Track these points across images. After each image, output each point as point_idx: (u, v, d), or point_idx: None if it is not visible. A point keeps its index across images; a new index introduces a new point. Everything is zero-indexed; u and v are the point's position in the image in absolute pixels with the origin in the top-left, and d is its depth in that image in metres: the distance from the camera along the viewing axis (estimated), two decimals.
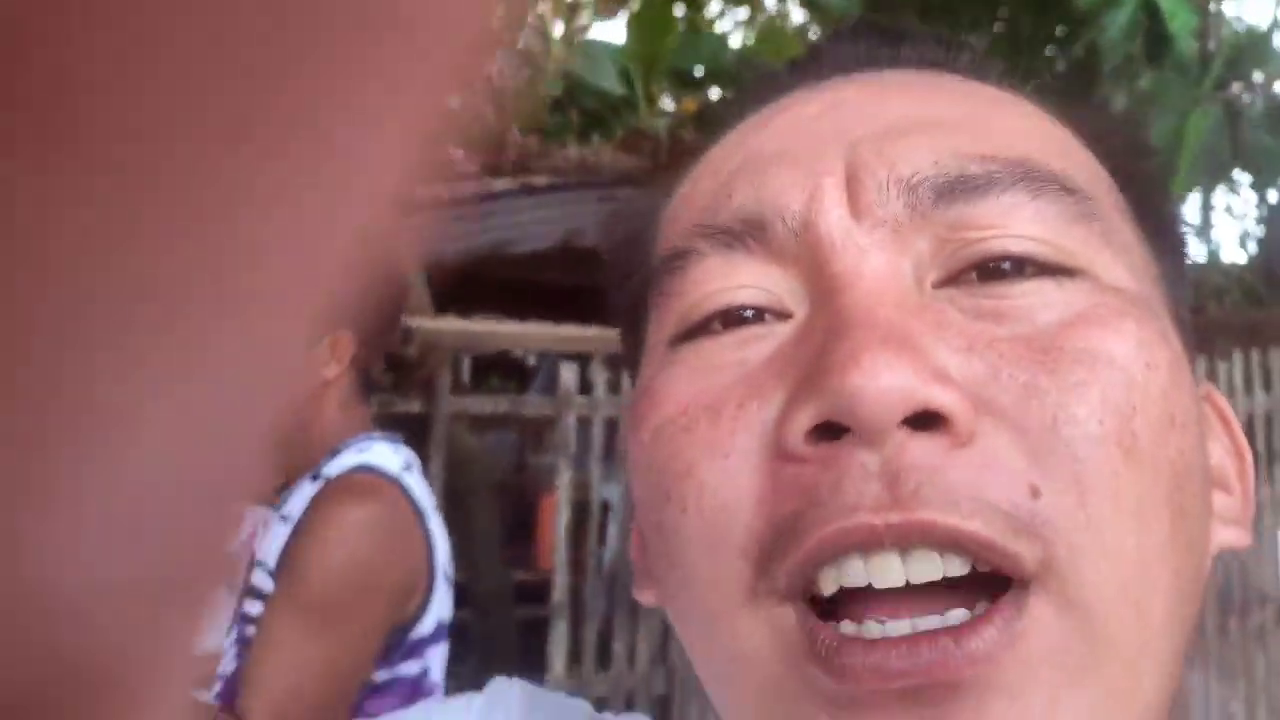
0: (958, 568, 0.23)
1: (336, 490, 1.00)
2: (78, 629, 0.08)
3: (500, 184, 4.43)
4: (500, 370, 5.23)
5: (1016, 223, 0.26)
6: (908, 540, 0.23)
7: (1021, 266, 0.26)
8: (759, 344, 0.27)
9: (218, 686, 1.09)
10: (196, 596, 0.09)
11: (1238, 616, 3.13)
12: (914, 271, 0.27)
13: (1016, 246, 0.26)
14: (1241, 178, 5.39)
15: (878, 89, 0.31)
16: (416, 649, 1.01)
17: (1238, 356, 3.08)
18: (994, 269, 0.26)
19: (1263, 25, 4.53)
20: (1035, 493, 0.23)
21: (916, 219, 0.27)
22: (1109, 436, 0.24)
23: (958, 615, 0.23)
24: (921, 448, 0.23)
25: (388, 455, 1.06)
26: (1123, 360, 0.25)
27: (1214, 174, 4.90)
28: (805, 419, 0.24)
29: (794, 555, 0.24)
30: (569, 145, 2.75)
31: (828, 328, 0.25)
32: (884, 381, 0.23)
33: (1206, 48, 3.62)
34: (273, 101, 0.06)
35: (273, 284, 0.08)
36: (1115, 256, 0.28)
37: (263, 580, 1.05)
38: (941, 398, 0.23)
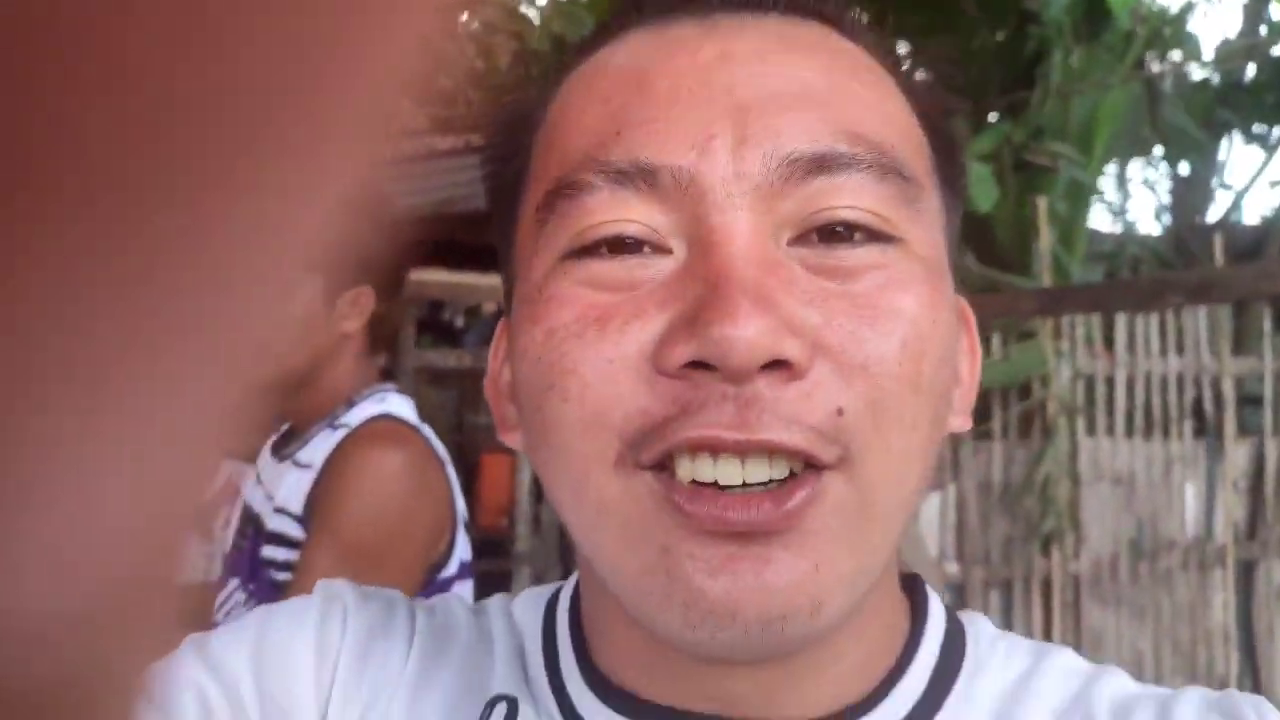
0: (782, 469, 0.31)
1: (366, 437, 1.03)
2: (34, 651, 0.08)
3: (447, 142, 4.42)
4: (432, 331, 5.24)
5: (861, 198, 0.33)
6: (747, 451, 0.31)
7: (853, 233, 0.33)
8: (642, 271, 0.33)
9: None
10: (148, 622, 0.10)
11: (1148, 562, 3.37)
12: (774, 230, 0.33)
13: (855, 217, 0.33)
14: (1158, 153, 5.67)
15: (759, 44, 0.35)
16: (444, 587, 1.06)
17: (1154, 319, 3.29)
18: (834, 233, 0.33)
19: (1175, 7, 4.74)
20: (840, 412, 0.31)
21: (789, 186, 0.33)
22: (904, 374, 0.32)
23: (779, 471, 0.31)
24: (768, 383, 0.31)
25: (404, 406, 1.10)
26: (918, 318, 0.33)
27: (1133, 149, 5.15)
28: (686, 352, 0.30)
29: (659, 445, 0.31)
30: None
31: (706, 278, 0.31)
32: (749, 334, 0.29)
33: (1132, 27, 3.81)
34: (255, 70, 0.07)
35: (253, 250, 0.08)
36: (925, 229, 0.35)
37: (286, 525, 1.07)
38: (789, 349, 0.30)
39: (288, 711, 0.40)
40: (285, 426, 1.18)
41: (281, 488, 1.09)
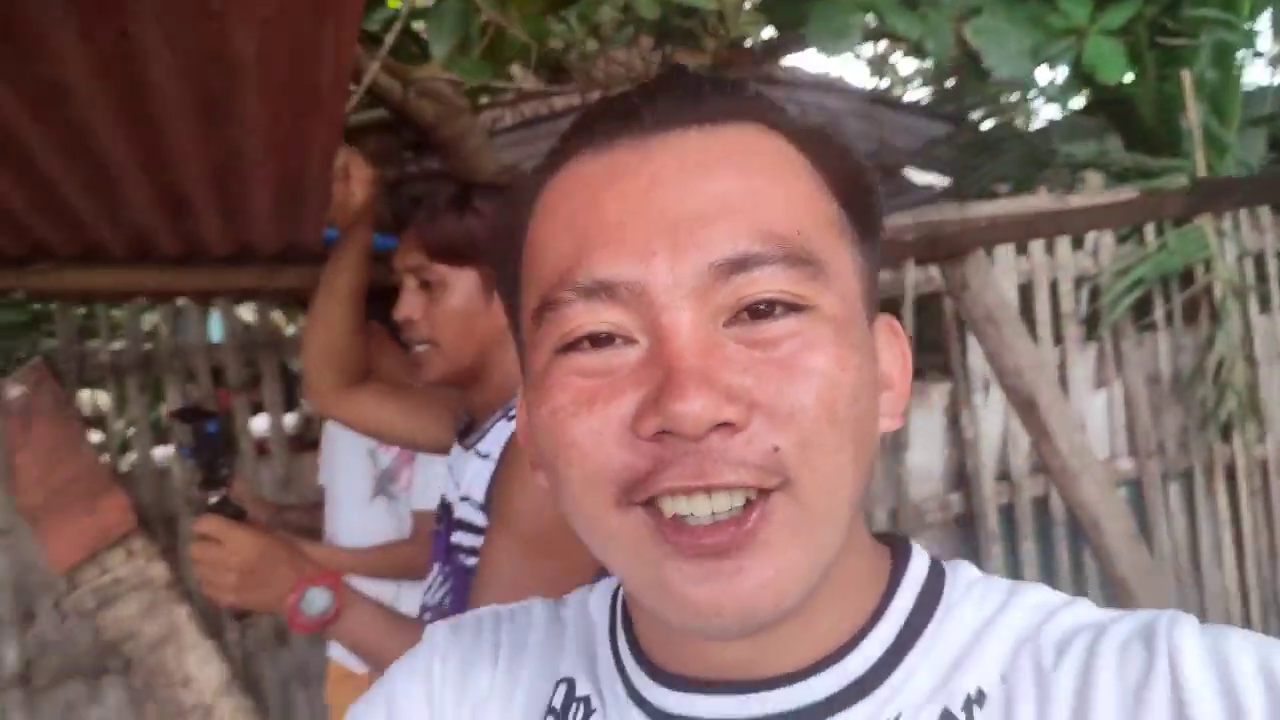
0: (740, 499, 0.42)
1: None
2: None
3: (562, 102, 4.47)
4: None
5: (775, 283, 0.43)
6: (710, 490, 0.41)
7: (774, 307, 0.43)
8: (616, 359, 0.43)
9: (426, 616, 1.16)
10: None
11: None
12: (710, 318, 0.43)
13: (771, 296, 0.43)
14: None
15: (683, 163, 0.44)
16: None
17: None
18: (758, 310, 0.43)
19: None
20: (776, 450, 0.41)
21: (717, 284, 0.42)
22: (820, 415, 0.42)
23: (736, 508, 0.42)
24: (718, 438, 0.41)
25: None
26: (828, 370, 0.42)
27: None
28: (654, 424, 0.41)
29: (645, 492, 0.42)
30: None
31: (663, 365, 0.42)
32: (696, 409, 0.40)
33: None
34: None
35: None
36: (834, 294, 0.44)
37: (470, 513, 1.12)
38: (728, 413, 0.41)
39: None
40: (468, 418, 1.23)
41: (466, 476, 1.14)
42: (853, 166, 0.49)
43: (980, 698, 0.45)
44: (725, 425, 0.41)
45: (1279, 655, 0.41)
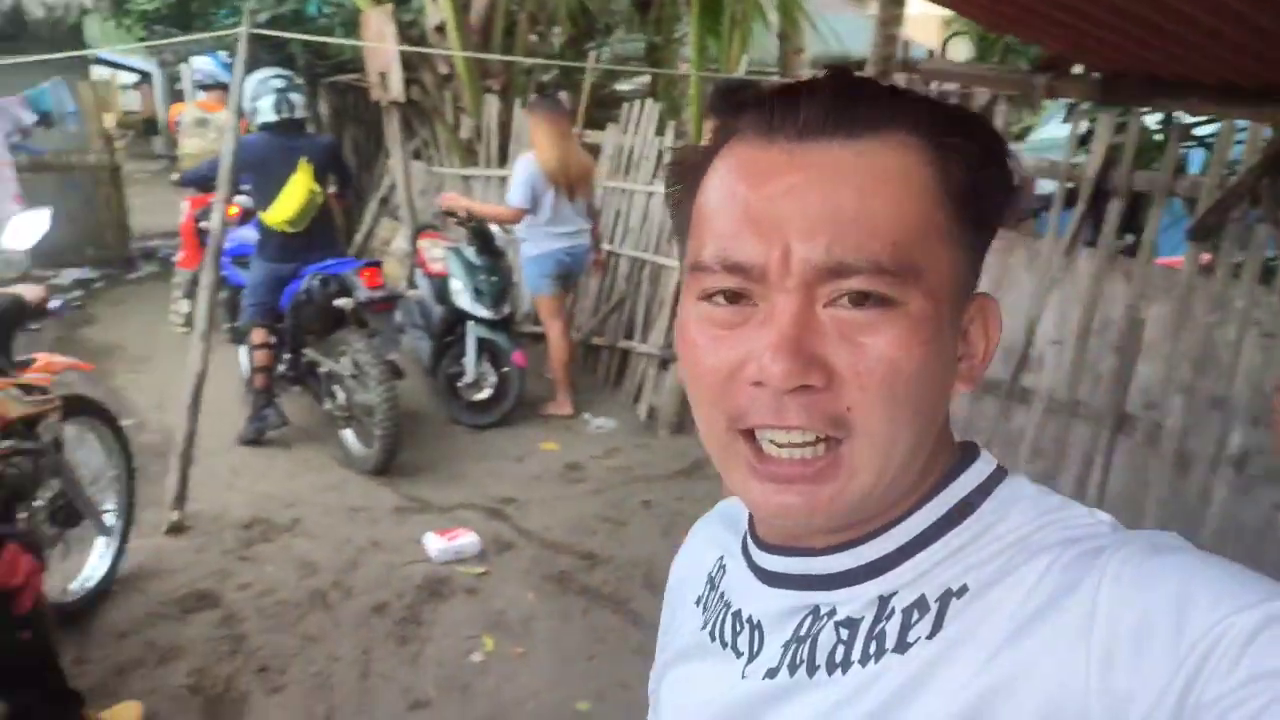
0: (810, 437, 0.55)
1: None
2: None
3: None
4: None
5: (866, 284, 0.53)
6: (787, 429, 0.55)
7: (867, 298, 0.54)
8: (740, 315, 0.56)
9: None
10: None
11: None
12: (813, 301, 0.54)
13: (864, 290, 0.54)
14: None
15: (816, 175, 0.54)
16: None
17: None
18: (854, 299, 0.54)
19: None
20: (850, 409, 0.54)
21: (820, 279, 0.54)
22: (882, 391, 0.54)
23: (808, 445, 0.56)
24: (801, 394, 0.54)
25: None
26: (896, 359, 0.54)
27: None
28: (754, 373, 0.55)
29: (744, 422, 0.57)
30: None
31: (769, 333, 0.54)
32: (784, 371, 0.53)
33: None
34: None
35: None
36: (921, 294, 0.54)
37: None
38: (810, 378, 0.53)
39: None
40: None
41: None
42: (981, 170, 0.57)
43: (962, 591, 0.56)
44: (808, 386, 0.54)
45: (1200, 582, 0.47)
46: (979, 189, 0.57)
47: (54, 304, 2.62)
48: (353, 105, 8.18)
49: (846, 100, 0.56)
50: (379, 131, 7.22)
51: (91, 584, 3.21)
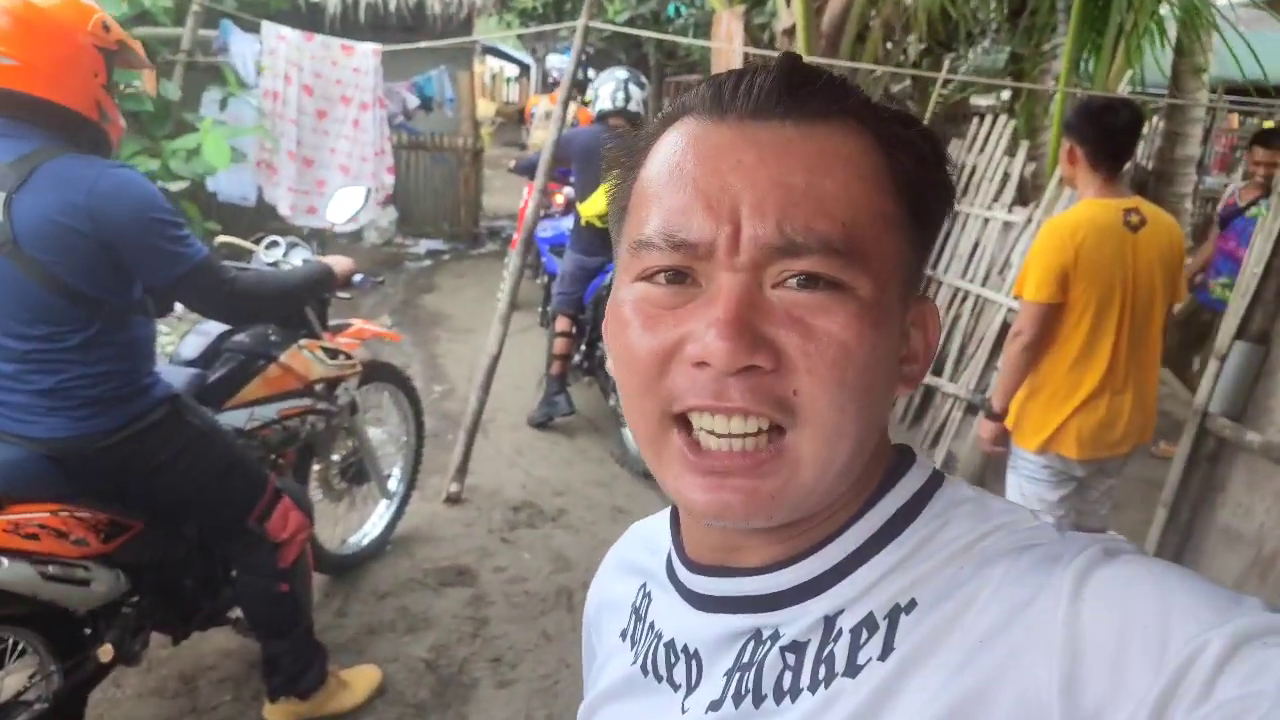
0: (753, 427, 0.53)
1: None
2: None
3: None
4: None
5: (815, 265, 0.52)
6: (728, 413, 0.52)
7: (817, 280, 0.52)
8: (681, 295, 0.54)
9: None
10: None
11: None
12: (761, 281, 0.53)
13: (814, 271, 0.52)
14: None
15: (764, 154, 0.53)
16: None
17: None
18: (803, 280, 0.52)
19: None
20: (796, 393, 0.52)
21: (769, 259, 0.52)
22: (832, 377, 0.52)
23: (749, 435, 0.53)
24: (745, 376, 0.51)
25: None
26: (846, 340, 0.52)
27: None
28: (696, 352, 0.52)
29: (679, 406, 0.54)
30: None
31: (715, 311, 0.52)
32: (729, 349, 0.50)
33: None
34: None
35: None
36: (869, 278, 0.53)
37: None
38: (756, 358, 0.51)
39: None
40: None
41: None
42: (926, 169, 0.57)
43: (910, 606, 0.53)
44: (754, 367, 0.51)
45: (1166, 597, 0.46)
46: (923, 182, 0.57)
47: (357, 278, 2.77)
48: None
49: (799, 84, 0.54)
50: None
51: (366, 541, 3.41)
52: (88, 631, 2.16)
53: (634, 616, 0.70)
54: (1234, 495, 2.91)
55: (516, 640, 3.07)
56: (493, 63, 22.75)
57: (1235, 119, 10.83)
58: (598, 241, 4.65)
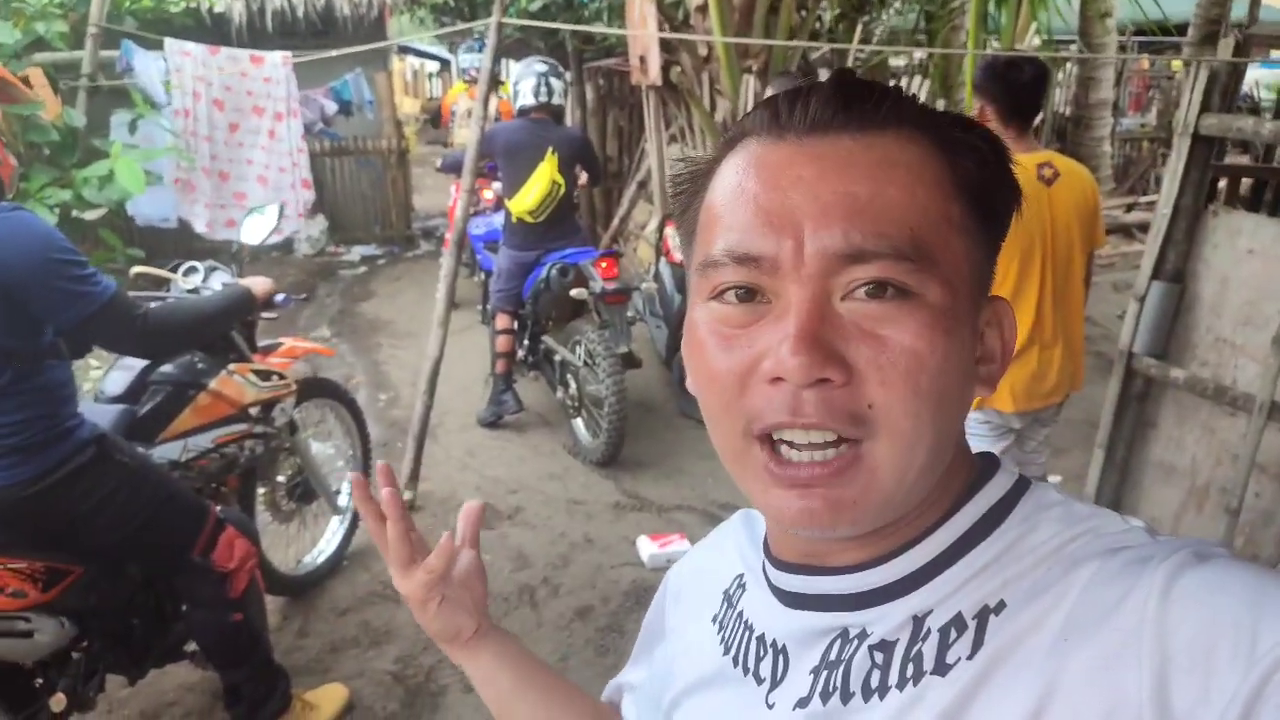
0: (831, 437, 0.53)
1: None
2: None
3: None
4: None
5: (885, 271, 0.52)
6: (806, 427, 0.53)
7: (885, 289, 0.52)
8: (753, 313, 0.55)
9: None
10: None
11: None
12: (828, 295, 0.53)
13: (881, 279, 0.52)
14: None
15: (824, 168, 0.54)
16: None
17: None
18: (872, 290, 0.53)
19: None
20: (871, 407, 0.52)
21: (837, 269, 0.53)
22: (906, 386, 0.52)
23: (829, 444, 0.53)
24: (820, 389, 0.52)
25: None
26: (919, 349, 0.52)
27: None
28: (771, 369, 0.53)
29: (759, 426, 0.55)
30: None
31: (786, 326, 0.53)
32: (803, 364, 0.51)
33: None
34: None
35: None
36: (939, 283, 0.53)
37: None
38: (829, 372, 0.52)
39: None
40: None
41: None
42: (989, 170, 0.57)
43: (999, 607, 0.53)
44: (827, 380, 0.52)
45: (1259, 598, 0.45)
46: (988, 184, 0.57)
47: (279, 298, 2.73)
48: (616, 89, 8.25)
49: (853, 97, 0.55)
50: (641, 115, 7.21)
51: (322, 559, 3.38)
52: (39, 683, 2.12)
53: (726, 604, 0.71)
54: (1165, 431, 3.00)
55: None
56: (413, 60, 22.38)
57: (1146, 60, 11.08)
58: (531, 236, 4.62)
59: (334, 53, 5.54)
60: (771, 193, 0.54)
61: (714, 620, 0.72)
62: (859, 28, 6.10)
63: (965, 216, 0.55)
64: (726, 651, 0.68)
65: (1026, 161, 2.60)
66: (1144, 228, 7.33)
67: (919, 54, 7.18)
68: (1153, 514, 3.02)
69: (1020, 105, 2.62)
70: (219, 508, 2.45)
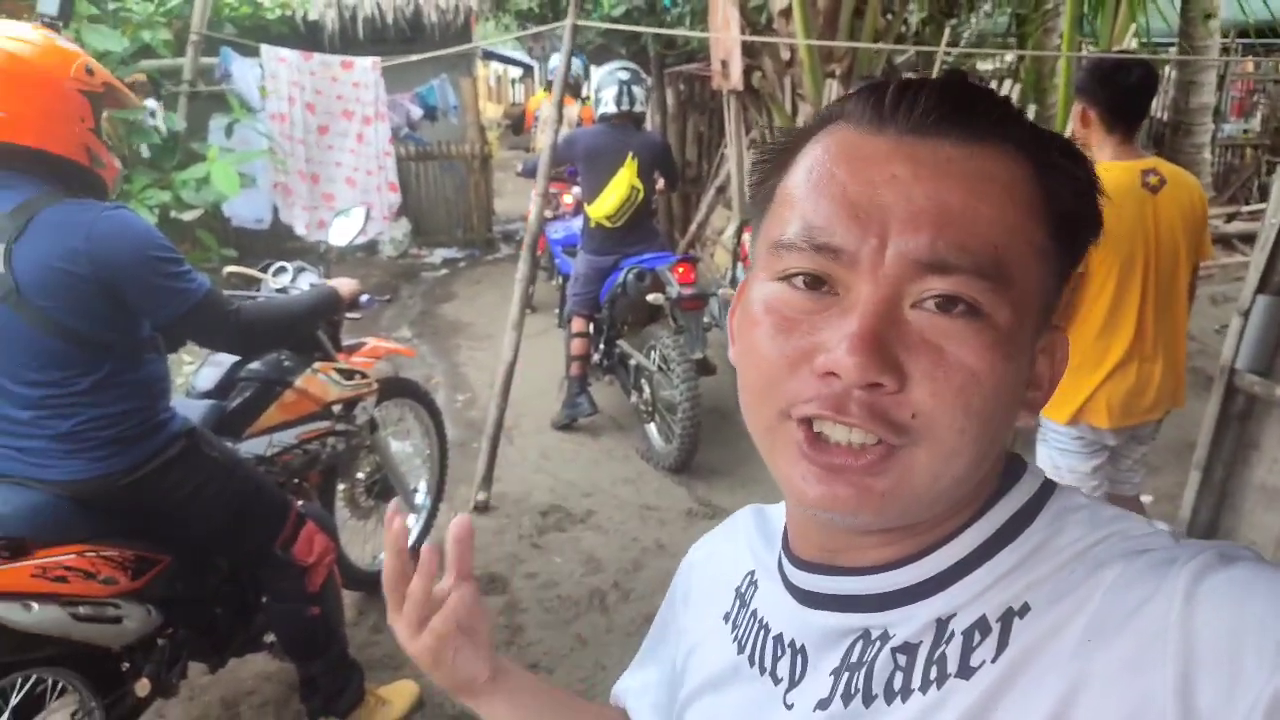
0: (872, 439, 0.52)
1: None
2: None
3: None
4: None
5: (959, 288, 0.51)
6: (848, 425, 0.52)
7: (956, 304, 0.52)
8: (818, 302, 0.54)
9: None
10: None
11: None
12: (901, 298, 0.52)
13: (955, 294, 0.52)
14: None
15: (919, 170, 0.52)
16: None
17: None
18: (942, 302, 0.52)
19: None
20: (915, 416, 0.52)
21: (914, 276, 0.52)
22: (957, 403, 0.52)
23: (869, 443, 0.53)
24: (870, 392, 0.51)
25: None
26: (977, 370, 0.52)
27: None
28: (826, 363, 0.52)
29: (800, 412, 0.54)
30: None
31: (851, 323, 0.51)
32: (858, 364, 0.50)
33: None
34: None
35: None
36: (1009, 307, 0.52)
37: None
38: (883, 377, 0.51)
39: None
40: None
41: None
42: (1081, 203, 0.56)
43: (1024, 610, 0.53)
44: (879, 385, 0.51)
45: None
46: (1076, 213, 0.56)
47: (364, 298, 2.77)
48: (697, 94, 8.24)
49: (962, 103, 0.54)
50: (721, 120, 7.18)
51: None
52: (125, 667, 2.18)
53: (738, 601, 0.71)
54: (1269, 452, 2.85)
55: (551, 645, 3.06)
56: (497, 66, 22.74)
57: (1250, 63, 10.60)
58: (609, 241, 4.63)
59: (419, 56, 5.65)
60: (862, 185, 0.53)
61: (725, 618, 0.71)
62: (946, 31, 5.96)
63: (1048, 242, 0.55)
64: (741, 650, 0.67)
65: (1131, 168, 2.49)
66: (1245, 238, 7.00)
67: (1009, 57, 6.98)
68: (1252, 539, 2.86)
69: (1126, 110, 2.52)
70: (300, 503, 2.51)
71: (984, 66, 7.21)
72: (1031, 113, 4.90)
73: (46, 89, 1.88)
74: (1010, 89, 4.97)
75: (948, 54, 5.67)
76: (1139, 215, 2.46)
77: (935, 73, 5.76)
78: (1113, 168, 2.49)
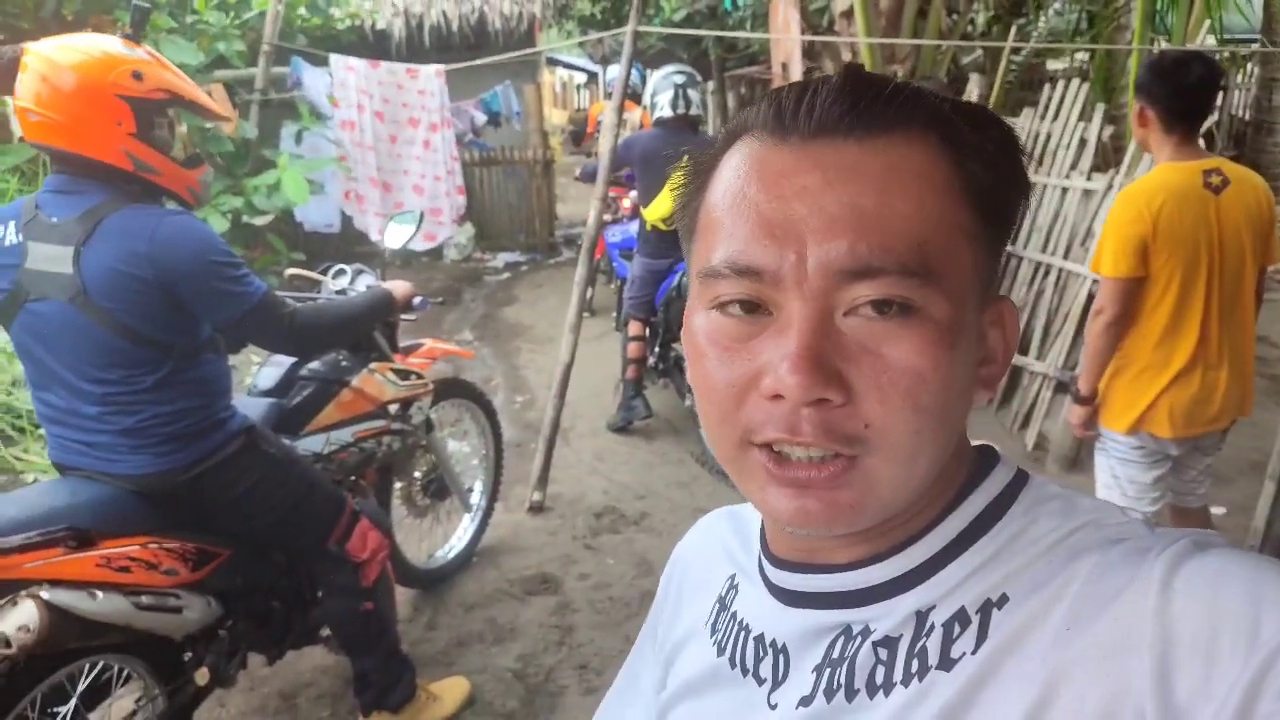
0: (829, 453, 0.53)
1: None
2: None
3: None
4: None
5: (888, 289, 0.51)
6: (806, 446, 0.53)
7: (890, 305, 0.51)
8: (754, 325, 0.54)
9: None
10: None
11: None
12: (832, 309, 0.52)
13: (886, 297, 0.51)
14: None
15: (829, 176, 0.52)
16: None
17: None
18: (876, 306, 0.52)
19: None
20: (868, 426, 0.52)
21: (840, 284, 0.52)
22: (906, 404, 0.52)
23: (829, 456, 0.53)
24: (818, 409, 0.51)
25: None
26: (921, 367, 0.52)
27: None
28: (770, 386, 0.52)
29: (758, 439, 0.54)
30: None
31: (788, 342, 0.52)
32: (802, 383, 0.50)
33: None
34: None
35: None
36: (944, 297, 0.52)
37: None
38: (828, 392, 0.51)
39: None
40: None
41: None
42: (999, 170, 0.55)
43: (1002, 601, 0.53)
44: (825, 400, 0.51)
45: (1258, 589, 0.46)
46: (997, 186, 0.55)
47: (417, 300, 2.83)
48: (758, 97, 8.21)
49: (862, 97, 0.53)
50: None
51: (452, 555, 3.48)
52: (187, 656, 2.26)
53: (719, 606, 0.71)
54: None
55: (602, 646, 3.08)
56: (561, 72, 22.96)
57: None
58: (664, 244, 4.65)
59: (481, 61, 5.74)
60: (774, 202, 0.53)
61: (706, 624, 0.71)
62: (1013, 29, 5.84)
63: (974, 221, 0.54)
64: (721, 653, 0.68)
65: (1191, 169, 2.41)
66: None
67: (1079, 54, 6.81)
68: None
69: (1186, 108, 2.43)
70: (355, 500, 2.57)
71: (1053, 65, 7.03)
72: (1099, 112, 4.77)
73: (80, 94, 1.94)
74: (1079, 89, 4.84)
75: (1016, 53, 5.56)
76: (1201, 217, 2.38)
77: (1001, 73, 5.65)
78: (1172, 169, 2.42)
